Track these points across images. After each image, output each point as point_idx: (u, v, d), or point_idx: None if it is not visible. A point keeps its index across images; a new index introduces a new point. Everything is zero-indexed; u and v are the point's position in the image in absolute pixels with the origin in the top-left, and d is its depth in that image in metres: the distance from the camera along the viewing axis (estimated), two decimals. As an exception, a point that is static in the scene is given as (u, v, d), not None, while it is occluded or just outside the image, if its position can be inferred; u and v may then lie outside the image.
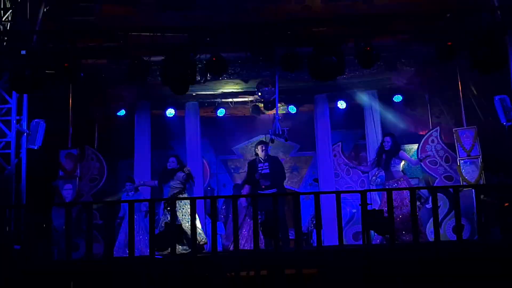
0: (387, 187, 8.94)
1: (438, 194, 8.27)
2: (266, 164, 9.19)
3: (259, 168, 9.23)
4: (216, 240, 7.48)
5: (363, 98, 11.91)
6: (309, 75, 9.00)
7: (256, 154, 9.53)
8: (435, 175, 10.79)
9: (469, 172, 10.15)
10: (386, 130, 11.87)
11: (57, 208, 9.99)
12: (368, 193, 8.04)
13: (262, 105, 12.06)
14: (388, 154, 9.11)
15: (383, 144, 9.24)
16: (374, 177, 10.57)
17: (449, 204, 10.24)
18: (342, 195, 7.65)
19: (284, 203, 9.19)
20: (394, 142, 9.17)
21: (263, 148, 9.39)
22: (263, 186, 9.14)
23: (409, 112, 12.43)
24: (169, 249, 7.44)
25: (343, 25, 8.29)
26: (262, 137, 12.55)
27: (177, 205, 8.49)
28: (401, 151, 9.24)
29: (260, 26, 8.96)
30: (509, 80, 8.75)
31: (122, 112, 11.78)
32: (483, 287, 6.83)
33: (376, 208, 8.50)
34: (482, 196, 8.29)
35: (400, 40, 9.38)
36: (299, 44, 8.52)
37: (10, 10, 8.84)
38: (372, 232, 8.06)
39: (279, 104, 10.45)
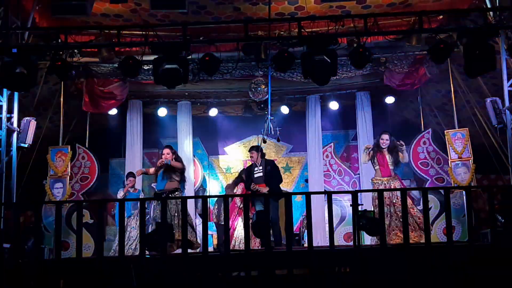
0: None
1: (429, 195, 8.26)
2: (261, 167, 9.26)
3: (254, 171, 9.30)
4: (207, 240, 7.44)
5: (355, 99, 11.93)
6: (301, 75, 8.96)
7: (251, 158, 9.55)
8: (426, 177, 10.81)
9: (460, 174, 10.18)
10: (377, 131, 11.89)
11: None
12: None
13: (254, 105, 12.07)
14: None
15: (380, 142, 8.97)
16: None
17: (440, 206, 10.28)
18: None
19: (277, 205, 9.13)
20: (392, 140, 8.94)
21: (255, 153, 9.42)
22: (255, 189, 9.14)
23: (400, 114, 12.45)
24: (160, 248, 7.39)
25: (336, 23, 8.26)
26: (253, 138, 12.63)
27: (169, 204, 8.39)
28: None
29: (252, 24, 8.96)
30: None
31: (113, 111, 11.71)
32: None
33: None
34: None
35: (393, 41, 9.40)
36: (291, 44, 8.49)
37: (2, 7, 8.76)
38: None
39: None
